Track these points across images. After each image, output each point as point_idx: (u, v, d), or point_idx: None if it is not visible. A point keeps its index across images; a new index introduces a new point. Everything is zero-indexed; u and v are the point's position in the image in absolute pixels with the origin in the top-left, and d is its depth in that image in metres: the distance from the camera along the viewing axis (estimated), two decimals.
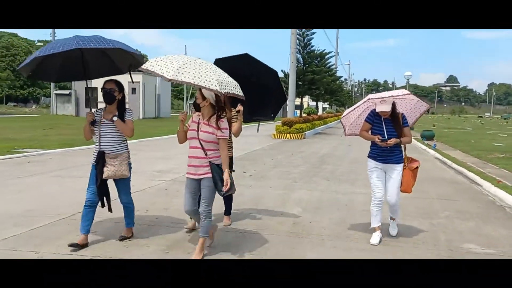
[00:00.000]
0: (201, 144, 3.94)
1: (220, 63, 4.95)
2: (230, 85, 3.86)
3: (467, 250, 4.43)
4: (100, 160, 4.26)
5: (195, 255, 3.94)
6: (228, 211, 5.19)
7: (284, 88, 24.91)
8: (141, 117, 35.75)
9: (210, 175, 3.92)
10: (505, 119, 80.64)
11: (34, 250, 4.10)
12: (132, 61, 4.67)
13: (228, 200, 5.11)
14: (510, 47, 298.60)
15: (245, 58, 5.43)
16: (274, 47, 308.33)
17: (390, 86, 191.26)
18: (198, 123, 4.00)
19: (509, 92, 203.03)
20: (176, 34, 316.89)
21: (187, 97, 67.51)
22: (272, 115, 5.67)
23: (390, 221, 4.89)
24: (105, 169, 4.25)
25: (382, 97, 4.56)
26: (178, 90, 71.74)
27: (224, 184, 3.86)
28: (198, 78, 3.65)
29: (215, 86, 3.62)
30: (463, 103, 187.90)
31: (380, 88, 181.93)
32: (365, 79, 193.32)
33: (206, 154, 3.93)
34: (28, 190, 6.87)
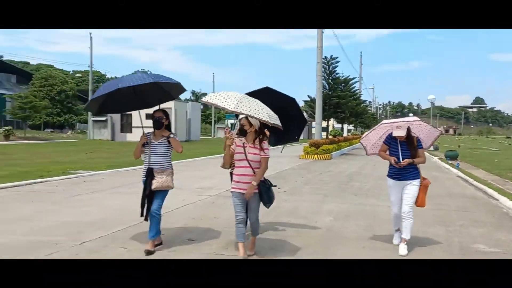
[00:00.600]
0: (249, 164, 4.68)
1: (249, 95, 5.60)
2: (274, 117, 4.80)
3: (476, 249, 5.25)
4: (149, 175, 5.03)
5: (249, 250, 4.83)
6: (255, 232, 5.48)
7: (311, 112, 26.02)
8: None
9: (257, 190, 4.68)
10: None
11: (122, 246, 5.16)
12: (172, 90, 5.63)
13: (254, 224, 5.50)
14: None
15: (267, 90, 5.99)
16: (301, 76, 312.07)
17: (415, 108, 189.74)
18: (244, 147, 4.71)
19: None
20: (204, 62, 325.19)
21: (215, 121, 69.42)
22: (296, 138, 6.36)
23: (401, 244, 5.17)
24: (153, 181, 4.99)
25: (394, 122, 5.36)
26: (205, 114, 73.73)
27: (249, 187, 4.58)
28: (253, 111, 4.56)
29: (266, 118, 4.57)
30: (490, 124, 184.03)
31: (405, 110, 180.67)
32: (389, 102, 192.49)
33: (254, 172, 4.68)
34: (95, 205, 8.01)
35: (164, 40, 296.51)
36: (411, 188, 5.17)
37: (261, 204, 4.78)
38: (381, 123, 5.63)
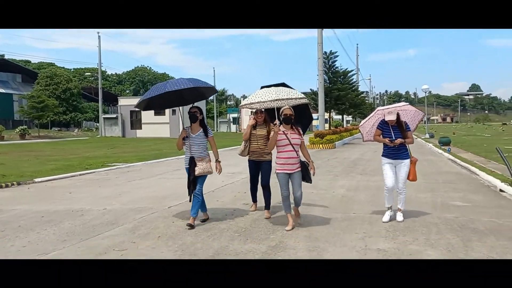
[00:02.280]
0: (293, 148, 5.54)
1: (265, 87, 6.35)
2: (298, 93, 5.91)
3: (453, 205, 7.22)
4: (192, 163, 5.82)
5: (297, 217, 5.75)
6: (267, 206, 6.49)
7: (314, 105, 27.91)
8: None
9: (300, 168, 5.65)
10: None
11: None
12: (207, 92, 6.71)
13: (267, 198, 6.47)
14: None
15: (283, 86, 6.54)
16: (296, 66, 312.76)
17: (412, 97, 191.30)
18: (285, 134, 5.58)
19: None
20: (198, 55, 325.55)
21: (217, 116, 71.19)
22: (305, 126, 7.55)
23: (398, 212, 6.06)
24: (196, 168, 5.77)
25: (387, 108, 6.24)
26: (207, 109, 75.61)
27: (311, 167, 5.65)
28: (291, 95, 5.68)
29: (300, 95, 5.90)
30: (486, 111, 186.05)
31: (402, 99, 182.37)
32: (386, 91, 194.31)
33: (297, 155, 5.64)
34: (154, 185, 9.94)
35: (158, 33, 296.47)
36: (404, 167, 6.02)
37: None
38: (376, 109, 6.56)
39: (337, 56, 31.09)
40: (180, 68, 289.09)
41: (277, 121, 5.71)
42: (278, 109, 5.84)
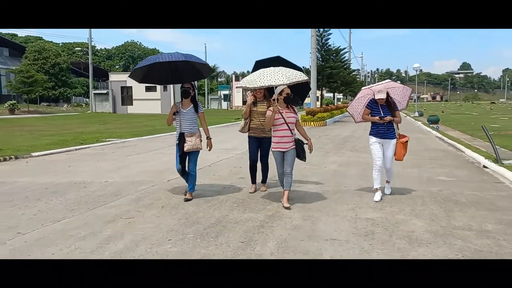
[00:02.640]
0: (288, 126, 5.62)
1: (260, 62, 6.53)
2: (300, 74, 5.72)
3: (438, 179, 7.62)
4: (181, 138, 5.81)
5: (285, 203, 5.56)
6: (264, 181, 6.76)
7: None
8: None
9: (294, 147, 5.72)
10: None
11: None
12: (203, 70, 6.57)
13: (265, 172, 6.70)
14: None
15: (278, 59, 6.65)
16: (292, 47, 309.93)
17: (403, 75, 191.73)
18: (281, 113, 5.62)
19: None
20: (189, 32, 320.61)
21: (208, 92, 70.96)
22: (300, 102, 7.77)
23: (386, 184, 6.32)
24: (185, 144, 5.76)
25: (377, 85, 6.32)
26: (198, 86, 75.21)
27: (309, 145, 5.75)
28: (293, 76, 5.48)
29: (304, 77, 5.66)
30: (476, 90, 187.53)
31: (393, 77, 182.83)
32: (377, 69, 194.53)
33: (292, 133, 5.71)
34: (151, 160, 10.20)
35: None
36: (391, 146, 6.11)
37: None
38: (362, 89, 6.64)
39: (330, 34, 31.20)
40: (170, 44, 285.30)
41: (275, 97, 5.71)
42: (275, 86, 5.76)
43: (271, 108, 5.67)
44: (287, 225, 4.81)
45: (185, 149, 5.81)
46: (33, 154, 11.29)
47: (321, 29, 30.33)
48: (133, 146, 13.51)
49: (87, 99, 65.54)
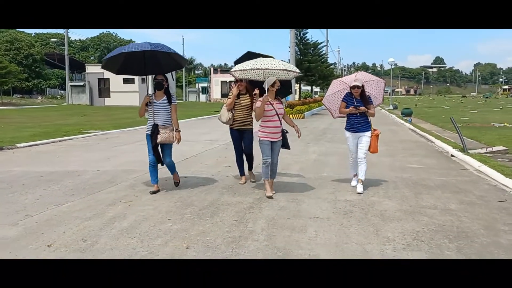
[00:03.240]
0: (278, 117, 5.77)
1: (252, 55, 6.57)
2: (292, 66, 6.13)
3: (409, 167, 8.27)
4: (155, 130, 5.79)
5: (267, 193, 5.75)
6: (250, 168, 6.86)
7: None
8: None
9: (281, 138, 5.91)
10: (486, 98, 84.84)
11: (184, 170, 7.83)
12: (178, 62, 6.54)
13: (250, 161, 6.80)
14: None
15: (249, 55, 6.72)
16: (269, 40, 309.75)
17: (379, 69, 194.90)
18: (272, 104, 5.73)
19: (494, 72, 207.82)
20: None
21: (185, 85, 70.72)
22: (290, 91, 8.06)
23: (358, 183, 6.21)
24: (159, 136, 5.76)
25: (344, 79, 6.60)
26: (176, 78, 74.78)
27: (296, 130, 5.87)
28: (272, 65, 5.72)
29: (294, 68, 6.07)
30: (448, 84, 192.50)
31: (369, 71, 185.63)
32: (354, 63, 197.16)
33: (281, 124, 5.87)
34: (138, 151, 10.50)
35: None
36: (365, 138, 6.26)
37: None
38: (335, 83, 6.72)
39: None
40: (146, 35, 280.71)
41: (266, 87, 5.75)
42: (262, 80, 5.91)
43: (260, 99, 5.75)
44: (274, 207, 5.31)
45: (158, 140, 5.80)
46: (18, 145, 11.41)
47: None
48: (116, 138, 13.74)
49: (62, 91, 64.51)
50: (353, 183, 6.52)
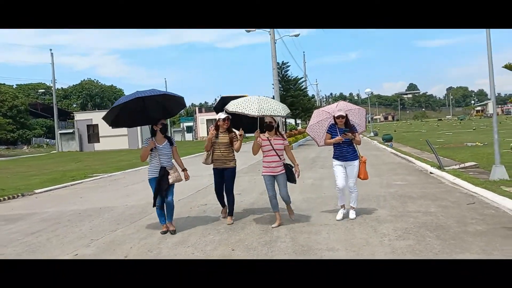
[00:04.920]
0: (276, 152, 5.99)
1: (227, 99, 6.72)
2: (286, 108, 6.36)
3: (395, 183, 9.58)
4: (165, 172, 5.97)
5: (292, 215, 6.27)
6: (230, 213, 6.62)
7: None
8: (140, 146, 39.98)
9: (284, 171, 6.11)
10: (461, 120, 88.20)
11: (201, 203, 8.95)
12: (178, 103, 6.54)
13: (230, 204, 6.62)
14: (464, 51, 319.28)
15: (223, 101, 6.88)
16: (253, 80, 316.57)
17: (356, 98, 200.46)
18: (269, 139, 6.02)
19: (466, 94, 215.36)
20: (142, 63, 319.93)
21: (171, 124, 71.94)
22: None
23: (350, 210, 6.44)
24: (170, 177, 5.96)
25: (326, 109, 6.76)
26: None
27: (296, 170, 6.15)
28: (275, 110, 5.95)
29: (285, 112, 6.19)
30: (423, 109, 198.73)
31: (347, 101, 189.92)
32: (331, 93, 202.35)
33: (280, 159, 6.06)
34: (148, 189, 11.56)
35: (100, 45, 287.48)
36: (353, 168, 6.36)
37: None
38: (318, 112, 6.91)
39: (289, 66, 33.91)
40: (124, 79, 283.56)
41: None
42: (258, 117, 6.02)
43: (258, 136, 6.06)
44: (289, 219, 6.48)
45: (170, 181, 5.98)
46: (36, 191, 12.35)
47: (280, 62, 32.92)
48: (123, 179, 14.75)
49: (48, 140, 64.91)
50: (339, 216, 6.36)
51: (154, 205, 6.14)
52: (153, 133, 6.15)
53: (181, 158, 6.59)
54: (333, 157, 6.53)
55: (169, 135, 6.50)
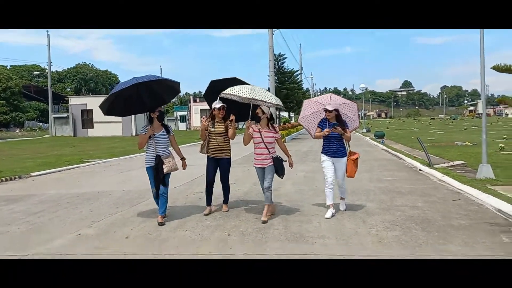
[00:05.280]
0: (265, 145, 5.99)
1: (216, 82, 6.70)
2: (278, 99, 6.39)
3: (385, 179, 9.90)
4: (160, 161, 5.88)
5: (263, 217, 5.89)
6: (225, 201, 6.80)
7: None
8: (133, 133, 39.92)
9: (272, 163, 6.06)
10: (453, 119, 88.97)
11: (196, 190, 9.20)
12: (173, 88, 6.37)
13: (226, 192, 6.75)
14: (460, 50, 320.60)
15: (235, 80, 6.77)
16: (243, 69, 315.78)
17: (350, 93, 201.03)
18: (260, 132, 6.01)
19: (460, 94, 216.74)
20: (134, 52, 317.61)
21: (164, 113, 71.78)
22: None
23: (340, 200, 6.65)
24: (164, 166, 5.88)
25: (317, 99, 6.78)
26: None
27: (290, 161, 6.25)
28: (266, 98, 6.00)
29: (276, 101, 6.24)
30: (417, 107, 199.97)
31: (341, 95, 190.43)
32: (326, 88, 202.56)
33: (269, 152, 6.06)
34: (144, 176, 11.78)
35: (94, 29, 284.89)
36: (342, 164, 6.36)
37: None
38: (304, 101, 6.99)
39: (285, 58, 34.07)
40: (120, 64, 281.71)
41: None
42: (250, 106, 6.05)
43: (252, 125, 6.10)
44: (282, 209, 6.76)
45: (165, 170, 5.90)
46: (32, 174, 12.50)
47: (277, 54, 33.05)
48: (117, 165, 14.91)
49: (41, 123, 64.57)
50: (328, 214, 6.18)
51: (156, 196, 6.11)
52: (150, 121, 6.05)
53: None
54: (322, 152, 6.45)
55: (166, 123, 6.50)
